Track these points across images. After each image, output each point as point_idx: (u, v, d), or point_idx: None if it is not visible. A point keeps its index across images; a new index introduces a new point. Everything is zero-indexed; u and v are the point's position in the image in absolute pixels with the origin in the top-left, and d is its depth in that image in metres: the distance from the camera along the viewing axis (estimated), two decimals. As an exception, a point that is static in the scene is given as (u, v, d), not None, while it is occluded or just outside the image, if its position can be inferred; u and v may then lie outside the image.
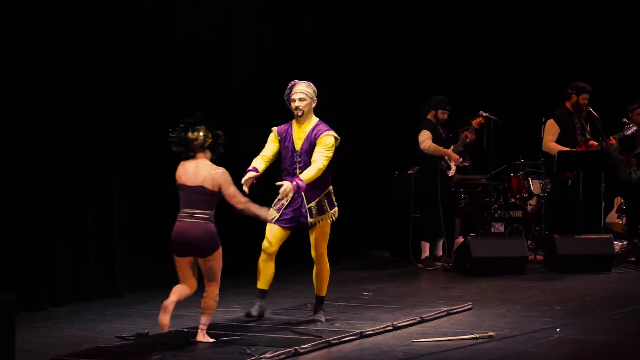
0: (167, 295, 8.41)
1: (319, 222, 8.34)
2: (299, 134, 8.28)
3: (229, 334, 7.82)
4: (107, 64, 9.93)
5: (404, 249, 12.58)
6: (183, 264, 7.63)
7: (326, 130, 8.27)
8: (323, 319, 8.44)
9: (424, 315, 8.66)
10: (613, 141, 12.27)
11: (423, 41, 14.26)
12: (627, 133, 12.40)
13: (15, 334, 6.67)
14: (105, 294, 9.82)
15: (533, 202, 13.06)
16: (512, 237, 12.36)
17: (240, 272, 9.96)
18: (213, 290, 7.66)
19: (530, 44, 14.62)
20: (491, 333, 7.92)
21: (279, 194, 8.09)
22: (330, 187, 8.42)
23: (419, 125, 12.14)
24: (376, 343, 7.74)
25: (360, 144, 13.46)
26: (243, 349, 7.31)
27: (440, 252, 12.35)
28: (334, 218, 8.43)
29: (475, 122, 12.24)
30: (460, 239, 12.28)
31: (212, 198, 7.57)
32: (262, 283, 8.44)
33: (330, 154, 8.20)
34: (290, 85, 8.37)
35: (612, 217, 13.55)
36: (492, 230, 12.51)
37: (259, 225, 8.38)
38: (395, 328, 8.22)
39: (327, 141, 8.20)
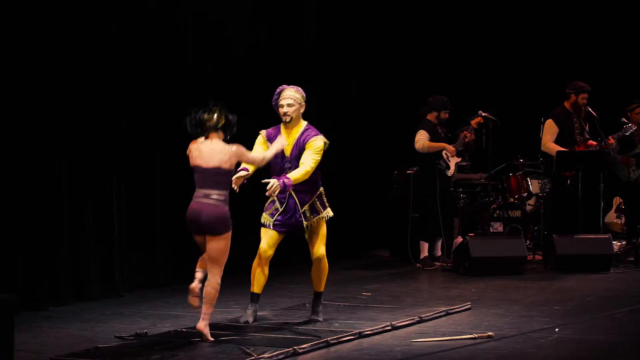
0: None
1: (313, 223, 8.36)
2: (288, 139, 8.29)
3: (228, 334, 7.82)
4: (107, 64, 9.93)
5: (403, 249, 12.59)
6: (201, 241, 7.80)
7: (315, 134, 8.29)
8: (321, 317, 8.45)
9: (423, 315, 8.66)
10: (612, 141, 12.27)
11: (422, 41, 14.26)
12: (626, 133, 12.40)
13: (14, 334, 6.66)
14: (104, 293, 9.82)
15: (532, 202, 13.07)
16: (511, 237, 12.36)
17: (239, 272, 9.96)
18: (214, 279, 7.72)
19: (529, 44, 14.63)
20: (490, 333, 7.92)
21: (268, 193, 8.09)
22: (321, 189, 8.45)
23: (417, 126, 12.18)
24: (375, 343, 7.74)
25: (360, 144, 13.48)
26: (242, 348, 7.31)
27: (439, 252, 12.36)
28: (328, 217, 8.45)
29: (474, 122, 12.25)
30: (459, 239, 12.28)
31: (227, 178, 7.76)
32: (257, 287, 8.44)
33: (318, 157, 8.23)
34: (278, 90, 8.37)
35: (611, 216, 13.56)
36: (491, 230, 12.52)
37: (257, 226, 8.43)
38: (394, 328, 8.22)
39: (316, 145, 8.23)
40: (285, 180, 8.04)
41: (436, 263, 12.20)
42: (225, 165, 7.68)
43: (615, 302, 9.57)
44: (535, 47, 14.62)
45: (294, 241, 8.89)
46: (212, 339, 7.64)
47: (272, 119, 8.60)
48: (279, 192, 8.09)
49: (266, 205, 8.40)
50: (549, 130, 12.16)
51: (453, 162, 12.22)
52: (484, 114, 12.14)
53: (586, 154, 12.07)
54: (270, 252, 8.33)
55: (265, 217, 8.38)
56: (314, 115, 12.43)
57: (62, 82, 9.49)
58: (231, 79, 11.49)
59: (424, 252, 12.21)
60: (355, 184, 13.36)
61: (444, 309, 9.00)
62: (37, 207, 9.27)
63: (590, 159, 12.05)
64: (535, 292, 10.21)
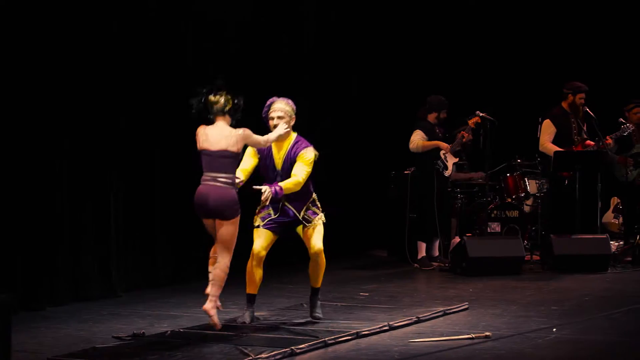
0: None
1: (308, 225, 8.37)
2: (279, 152, 8.31)
3: (226, 334, 7.82)
4: (106, 64, 9.93)
5: (401, 249, 12.59)
6: (210, 226, 7.86)
7: (305, 146, 8.30)
8: (321, 314, 8.43)
9: (421, 315, 8.66)
10: (610, 141, 12.27)
11: (419, 41, 14.26)
12: (624, 133, 12.40)
13: (11, 334, 6.66)
14: (102, 294, 9.81)
15: (529, 202, 13.07)
16: (508, 237, 12.36)
17: (237, 272, 9.95)
18: (224, 262, 7.80)
19: (526, 44, 14.62)
20: (487, 333, 7.92)
21: (260, 199, 8.12)
22: (314, 195, 8.48)
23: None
24: (372, 343, 7.74)
25: (358, 144, 13.48)
26: (239, 349, 7.31)
27: (436, 252, 12.36)
28: (323, 220, 8.46)
29: (471, 122, 12.25)
30: (457, 239, 12.29)
31: (234, 161, 7.83)
32: (252, 288, 8.45)
33: (310, 169, 8.26)
34: (268, 102, 8.36)
35: (609, 217, 13.56)
36: (489, 230, 12.52)
37: (251, 228, 8.44)
38: (392, 328, 8.22)
39: (308, 157, 8.25)
40: (277, 188, 8.08)
41: (434, 263, 12.21)
42: (233, 148, 7.73)
43: (613, 302, 9.57)
44: (532, 47, 14.61)
45: (293, 241, 8.89)
46: (220, 326, 7.74)
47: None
48: (271, 201, 8.11)
49: (259, 209, 8.40)
50: (547, 131, 12.16)
51: (451, 162, 12.22)
52: (481, 114, 12.14)
53: (584, 154, 12.08)
54: (264, 253, 8.33)
55: (257, 220, 8.39)
56: (314, 115, 12.51)
57: (62, 82, 9.49)
58: (231, 79, 11.48)
59: (422, 252, 12.22)
60: (353, 184, 13.36)
61: (442, 309, 9.00)
62: (37, 207, 9.27)
63: (588, 159, 12.06)
64: (532, 292, 10.21)
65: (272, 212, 8.36)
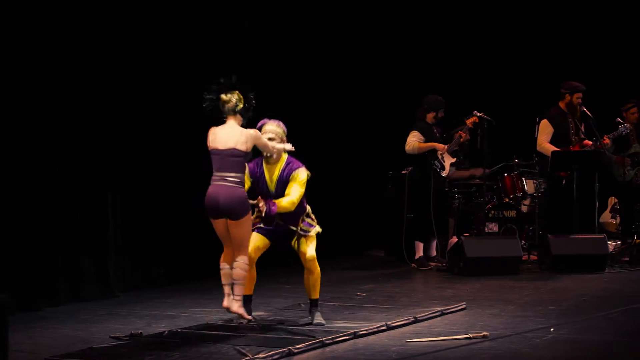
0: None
1: (303, 233, 8.38)
2: (271, 175, 8.32)
3: (223, 334, 7.82)
4: (106, 64, 9.93)
5: (398, 249, 12.59)
6: (220, 227, 7.91)
7: (297, 167, 8.31)
8: (323, 320, 8.42)
9: (418, 315, 8.66)
10: (607, 141, 12.27)
11: (417, 41, 14.25)
12: (622, 133, 12.40)
13: (8, 334, 6.66)
14: (99, 294, 9.81)
15: (527, 202, 13.07)
16: (506, 237, 12.36)
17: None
18: (242, 259, 7.90)
19: (524, 44, 14.62)
20: (485, 333, 7.92)
21: (256, 211, 8.14)
22: (308, 208, 8.49)
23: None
24: (370, 343, 7.74)
25: (355, 144, 13.47)
26: (237, 349, 7.31)
27: (434, 252, 12.36)
28: (319, 231, 8.45)
29: (469, 122, 12.25)
30: (454, 239, 12.29)
31: (243, 160, 7.87)
32: (247, 289, 8.43)
33: (303, 189, 8.28)
34: (259, 125, 8.35)
35: (606, 216, 13.56)
36: (486, 230, 12.52)
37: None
38: (389, 328, 8.22)
39: (301, 177, 8.27)
40: (272, 206, 8.12)
41: (431, 263, 12.20)
42: (242, 147, 7.80)
43: (610, 302, 9.57)
44: (530, 47, 14.61)
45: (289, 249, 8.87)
46: (250, 317, 7.96)
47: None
48: (264, 216, 8.13)
49: (253, 218, 8.36)
50: (544, 131, 12.16)
51: (448, 162, 12.22)
52: (479, 114, 12.15)
53: (581, 154, 12.08)
54: (255, 256, 8.32)
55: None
56: (313, 115, 12.52)
57: (62, 82, 9.49)
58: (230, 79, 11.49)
59: (419, 252, 12.21)
60: (351, 184, 13.35)
61: (439, 309, 9.00)
62: (37, 207, 9.27)
63: (586, 159, 12.06)
64: (530, 292, 10.21)
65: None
